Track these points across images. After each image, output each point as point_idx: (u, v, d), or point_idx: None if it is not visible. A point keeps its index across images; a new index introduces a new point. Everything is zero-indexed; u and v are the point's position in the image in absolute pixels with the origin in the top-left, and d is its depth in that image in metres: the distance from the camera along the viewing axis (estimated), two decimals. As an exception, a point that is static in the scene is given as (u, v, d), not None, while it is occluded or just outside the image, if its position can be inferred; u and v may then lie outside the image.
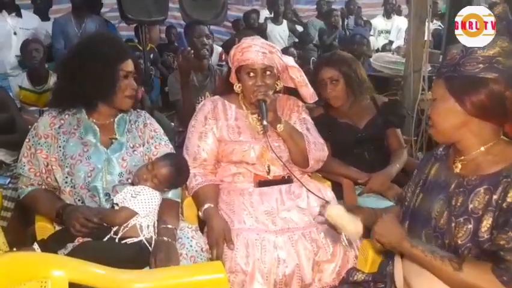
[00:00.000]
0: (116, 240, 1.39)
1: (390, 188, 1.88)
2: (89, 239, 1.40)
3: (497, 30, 1.06)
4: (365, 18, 6.01)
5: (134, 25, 3.94)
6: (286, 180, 1.75)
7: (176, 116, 2.67)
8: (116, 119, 1.58)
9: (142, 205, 1.41)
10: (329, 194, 1.75)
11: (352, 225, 1.20)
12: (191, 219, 1.65)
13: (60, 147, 1.50)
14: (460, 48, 1.07)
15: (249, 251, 1.47)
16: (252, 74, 1.69)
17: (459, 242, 1.03)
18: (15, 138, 1.51)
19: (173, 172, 1.50)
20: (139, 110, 1.68)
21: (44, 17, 3.69)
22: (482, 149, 1.08)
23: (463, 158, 1.11)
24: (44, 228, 1.48)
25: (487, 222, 1.01)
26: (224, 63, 3.91)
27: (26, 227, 1.72)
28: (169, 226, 1.45)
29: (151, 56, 4.27)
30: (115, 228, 1.40)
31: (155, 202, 1.45)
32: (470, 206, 1.04)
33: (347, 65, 2.03)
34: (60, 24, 3.50)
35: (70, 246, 1.39)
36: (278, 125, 1.71)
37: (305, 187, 1.69)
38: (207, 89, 2.55)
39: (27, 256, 1.10)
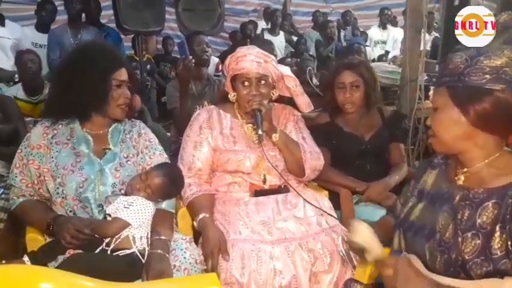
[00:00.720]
0: (108, 252, 1.35)
1: (389, 198, 1.86)
2: (80, 251, 1.36)
3: (504, 40, 1.04)
4: (361, 29, 6.06)
5: (132, 36, 3.97)
6: (282, 189, 1.73)
7: (173, 125, 2.66)
8: (110, 129, 1.56)
9: (135, 216, 1.39)
10: (326, 203, 1.73)
11: (379, 248, 1.12)
12: (185, 230, 1.62)
13: (52, 157, 1.48)
14: (464, 57, 1.04)
15: (245, 262, 1.44)
16: (246, 83, 1.68)
17: (466, 257, 0.99)
18: (16, 150, 1.51)
19: (167, 182, 1.48)
20: (133, 120, 1.66)
21: (47, 29, 3.68)
22: (486, 161, 1.05)
23: (466, 170, 1.08)
24: (35, 239, 1.45)
25: (500, 239, 0.97)
26: (221, 73, 3.92)
27: (19, 238, 1.68)
28: (163, 237, 1.42)
29: (148, 66, 4.29)
30: (107, 240, 1.37)
31: (149, 213, 1.42)
32: (478, 220, 1.00)
33: (369, 71, 2.00)
34: (56, 35, 3.50)
35: (60, 258, 1.36)
36: (273, 135, 1.69)
37: (302, 197, 1.67)
38: (205, 98, 2.55)
39: (15, 269, 1.07)
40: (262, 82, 1.69)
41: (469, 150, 1.06)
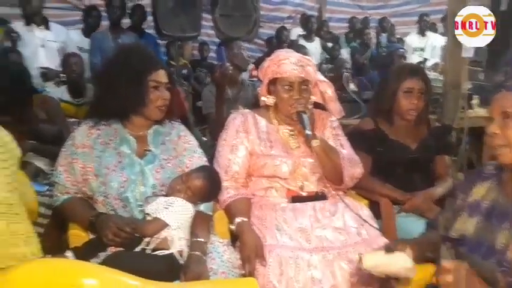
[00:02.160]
0: (148, 252, 1.37)
1: (431, 209, 1.78)
2: (121, 249, 1.38)
3: None
4: (398, 36, 5.93)
5: (166, 42, 4.06)
6: (320, 196, 1.69)
7: (208, 129, 2.68)
8: (150, 131, 1.58)
9: (174, 217, 1.39)
10: (365, 212, 1.67)
11: (397, 266, 1.06)
12: (222, 233, 1.61)
13: (96, 157, 1.51)
14: None
15: (283, 269, 1.42)
16: (288, 87, 1.66)
17: None
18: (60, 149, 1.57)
19: (207, 184, 1.48)
20: (173, 122, 1.66)
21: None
22: None
23: None
24: (77, 235, 1.48)
25: None
26: (255, 79, 3.93)
27: (62, 234, 1.73)
28: (200, 239, 1.42)
29: (185, 71, 4.37)
30: (147, 239, 1.38)
31: (188, 214, 1.43)
32: None
33: (428, 79, 1.96)
34: (97, 39, 3.63)
35: (102, 255, 1.38)
36: (313, 141, 1.66)
37: (345, 202, 1.62)
38: (240, 103, 2.56)
39: (60, 263, 1.08)
40: (304, 87, 1.66)
41: None
